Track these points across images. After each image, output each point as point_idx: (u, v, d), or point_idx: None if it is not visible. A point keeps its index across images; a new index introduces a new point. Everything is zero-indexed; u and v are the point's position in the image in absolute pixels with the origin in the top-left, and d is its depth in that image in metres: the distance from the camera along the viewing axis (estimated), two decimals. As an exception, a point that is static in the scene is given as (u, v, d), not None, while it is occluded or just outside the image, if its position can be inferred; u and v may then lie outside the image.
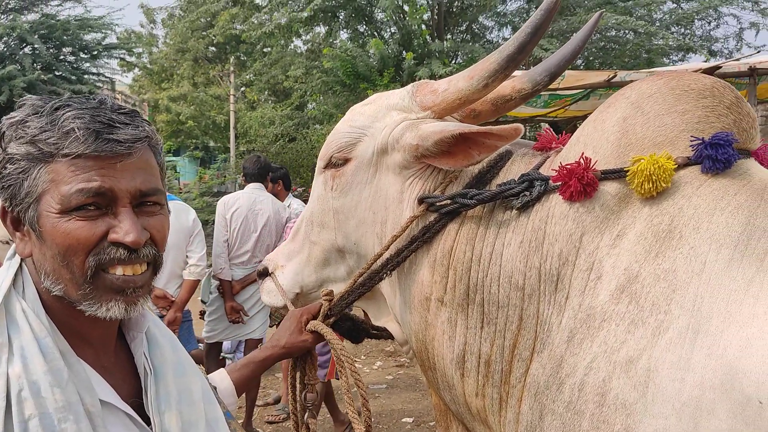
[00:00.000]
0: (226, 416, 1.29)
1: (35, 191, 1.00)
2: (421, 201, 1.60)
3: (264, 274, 1.95)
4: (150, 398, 1.11)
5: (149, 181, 1.06)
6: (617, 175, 1.37)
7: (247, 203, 5.34)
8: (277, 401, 5.99)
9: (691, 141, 1.33)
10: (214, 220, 5.57)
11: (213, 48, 23.96)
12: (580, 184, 1.38)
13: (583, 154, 1.41)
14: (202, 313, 6.45)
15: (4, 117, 1.05)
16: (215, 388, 1.46)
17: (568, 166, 1.40)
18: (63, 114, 1.00)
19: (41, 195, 1.00)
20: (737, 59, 9.35)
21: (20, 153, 1.00)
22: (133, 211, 1.04)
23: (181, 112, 22.35)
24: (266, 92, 21.85)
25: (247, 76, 21.72)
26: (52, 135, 0.99)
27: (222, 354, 6.06)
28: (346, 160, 1.73)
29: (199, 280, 5.39)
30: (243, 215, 5.29)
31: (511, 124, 1.50)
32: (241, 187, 5.83)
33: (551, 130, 1.68)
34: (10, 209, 1.04)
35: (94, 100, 1.05)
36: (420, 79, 11.79)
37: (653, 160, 1.32)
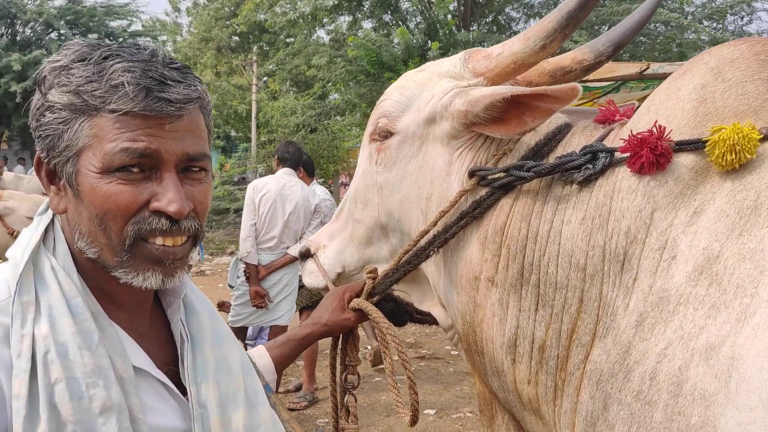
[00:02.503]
0: (266, 389, 1.21)
1: (75, 145, 0.93)
2: (472, 174, 1.49)
3: (306, 255, 1.86)
4: (186, 367, 1.05)
5: (198, 145, 0.99)
6: (694, 146, 1.25)
7: (276, 188, 5.30)
8: (298, 389, 5.93)
9: (778, 110, 1.21)
10: (235, 209, 5.65)
11: (236, 37, 23.99)
12: (653, 154, 1.26)
13: (656, 122, 1.29)
14: (220, 305, 6.43)
15: (46, 59, 0.97)
16: (255, 364, 1.39)
17: (640, 135, 1.28)
18: (112, 65, 0.92)
19: (82, 150, 0.93)
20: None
21: (62, 102, 0.93)
22: (178, 177, 0.96)
23: (203, 101, 22.39)
24: (288, 82, 21.82)
25: (270, 66, 21.71)
26: (99, 87, 0.92)
27: (244, 341, 6.02)
28: (390, 133, 1.63)
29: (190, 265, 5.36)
30: (272, 200, 5.25)
31: (567, 84, 1.39)
32: (272, 171, 5.79)
33: (614, 102, 1.56)
34: (46, 160, 0.97)
35: (146, 50, 0.97)
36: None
37: (736, 129, 1.19)
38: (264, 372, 1.48)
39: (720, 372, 1.07)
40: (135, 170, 0.94)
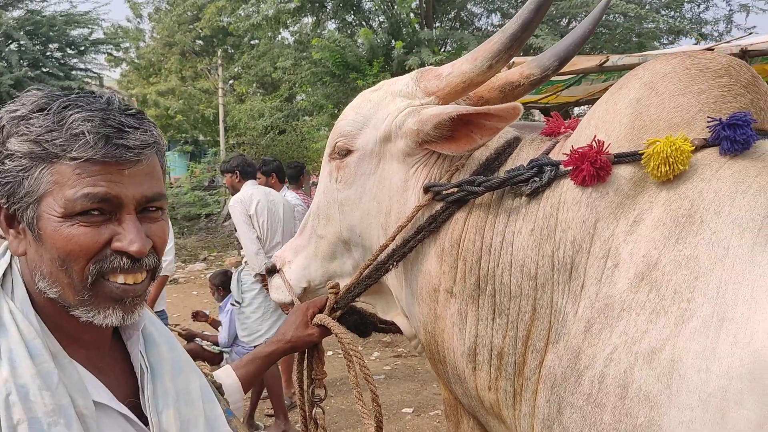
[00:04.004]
0: (227, 414, 1.25)
1: (36, 191, 0.97)
2: (426, 189, 1.55)
3: (272, 271, 1.91)
4: (147, 397, 1.09)
5: (155, 186, 1.04)
6: (632, 158, 1.32)
7: (263, 196, 5.35)
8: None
9: (708, 122, 1.29)
10: (206, 214, 5.60)
11: (200, 41, 23.73)
12: (593, 168, 1.33)
13: (595, 137, 1.36)
14: (195, 315, 6.40)
15: (3, 109, 1.01)
16: (221, 385, 1.42)
17: (580, 150, 1.35)
18: (72, 114, 0.96)
19: (43, 196, 0.97)
20: (728, 41, 9.32)
21: (22, 150, 0.96)
22: (137, 217, 1.01)
23: (169, 107, 22.16)
24: (255, 85, 21.69)
25: (235, 69, 21.54)
26: (59, 136, 0.95)
27: (219, 348, 6.01)
28: (349, 151, 1.68)
29: (167, 276, 5.32)
30: (266, 208, 5.29)
31: (508, 104, 1.45)
32: (233, 187, 5.74)
33: (559, 115, 1.63)
34: (6, 206, 1.00)
35: (102, 98, 1.01)
36: (410, 68, 11.74)
37: (669, 142, 1.27)
38: (231, 391, 1.52)
39: (662, 374, 1.14)
40: (96, 213, 0.97)
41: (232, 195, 6.03)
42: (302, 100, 16.89)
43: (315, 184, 20.67)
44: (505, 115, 1.43)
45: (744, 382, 1.05)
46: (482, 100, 1.70)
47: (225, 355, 6.01)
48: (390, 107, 1.64)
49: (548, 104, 12.08)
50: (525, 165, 1.45)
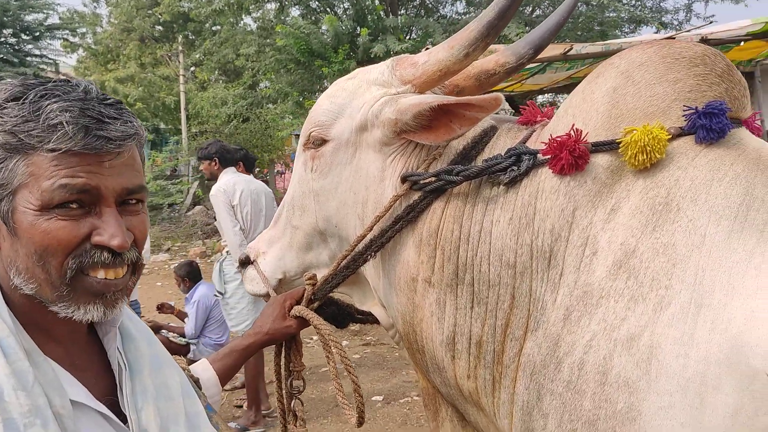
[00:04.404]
0: (207, 410, 1.23)
1: (11, 184, 0.93)
2: (404, 179, 1.54)
3: (246, 262, 1.87)
4: (126, 395, 1.06)
5: (135, 178, 1.01)
6: (609, 147, 1.33)
7: (246, 186, 5.27)
8: (244, 385, 5.91)
9: (684, 111, 1.30)
10: (169, 204, 5.51)
11: (160, 27, 23.24)
12: (572, 156, 1.33)
13: (573, 125, 1.36)
14: (159, 308, 6.31)
15: None
16: (198, 379, 1.40)
17: (559, 139, 1.35)
18: (48, 104, 0.93)
19: (18, 188, 0.93)
20: (689, 30, 9.50)
21: None
22: (117, 210, 0.98)
23: (129, 94, 21.66)
24: (217, 72, 21.36)
25: (197, 56, 21.17)
26: (36, 126, 0.92)
27: (185, 339, 5.94)
28: (324, 141, 1.66)
29: (143, 265, 5.21)
30: (249, 198, 5.21)
31: (491, 94, 1.45)
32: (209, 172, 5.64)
33: (535, 104, 1.64)
34: None
35: (79, 87, 0.97)
36: (375, 55, 11.69)
37: (646, 131, 1.28)
38: (208, 385, 1.49)
39: (641, 360, 1.15)
40: (74, 206, 0.94)
41: (207, 182, 5.94)
42: (266, 87, 16.72)
43: (279, 173, 20.54)
44: (486, 106, 1.42)
45: (722, 367, 1.07)
46: (458, 88, 1.70)
47: (192, 347, 5.95)
48: (366, 96, 1.62)
49: (513, 92, 12.17)
50: (503, 154, 1.45)
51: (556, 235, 1.34)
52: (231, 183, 5.26)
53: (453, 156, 1.55)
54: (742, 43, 9.95)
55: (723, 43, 9.72)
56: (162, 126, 25.93)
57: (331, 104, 1.67)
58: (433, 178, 1.50)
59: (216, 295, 5.46)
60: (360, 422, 1.62)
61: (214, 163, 5.43)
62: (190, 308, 6.04)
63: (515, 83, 11.23)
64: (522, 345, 1.38)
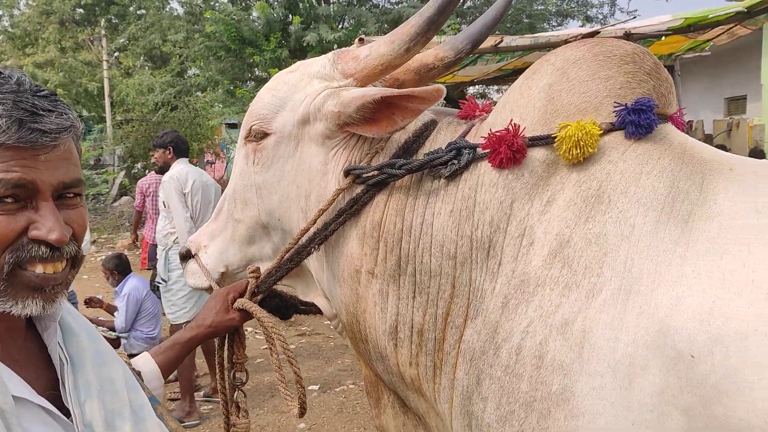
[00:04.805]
0: (152, 401, 1.22)
1: None
2: (347, 173, 1.56)
3: (187, 256, 1.85)
4: (68, 389, 1.04)
5: (72, 172, 0.99)
6: (545, 141, 1.39)
7: (197, 177, 5.27)
8: (177, 378, 5.81)
9: (614, 107, 1.37)
10: (93, 194, 5.40)
11: (81, 10, 22.24)
12: (510, 150, 1.38)
13: (511, 120, 1.41)
14: (87, 302, 6.11)
15: None
16: (139, 373, 1.38)
17: (497, 133, 1.40)
18: None
19: None
20: (613, 25, 9.84)
21: None
22: (54, 204, 0.96)
23: (48, 80, 20.68)
24: (142, 58, 20.68)
25: (121, 41, 20.42)
26: None
27: (116, 333, 5.78)
28: (266, 134, 1.66)
29: (84, 256, 5.09)
30: (200, 188, 5.21)
31: (433, 86, 1.48)
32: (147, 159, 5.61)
33: (473, 98, 1.68)
34: None
35: (12, 79, 0.95)
36: (308, 44, 11.60)
37: (580, 126, 1.34)
38: (150, 378, 1.48)
39: (574, 344, 1.22)
40: (9, 201, 0.92)
41: (157, 172, 5.86)
42: (195, 75, 16.30)
43: (209, 163, 20.09)
44: (428, 97, 1.45)
45: (649, 349, 1.14)
46: (398, 82, 1.72)
47: (123, 341, 5.78)
48: (307, 89, 1.63)
49: (445, 83, 12.32)
50: (443, 148, 1.49)
51: (495, 227, 1.39)
52: (183, 172, 5.26)
53: (395, 149, 1.57)
54: (663, 37, 10.41)
55: (645, 38, 10.13)
56: (85, 113, 24.88)
57: (273, 97, 1.67)
58: (376, 172, 1.52)
59: (159, 283, 5.37)
60: (302, 412, 1.63)
61: (168, 152, 5.41)
62: (120, 302, 5.87)
63: (447, 74, 11.40)
64: (462, 332, 1.42)
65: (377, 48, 1.56)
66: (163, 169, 5.79)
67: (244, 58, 12.49)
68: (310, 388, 5.52)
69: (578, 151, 1.33)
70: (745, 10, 9.23)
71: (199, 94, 17.38)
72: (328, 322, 1.80)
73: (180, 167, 5.32)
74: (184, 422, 5.02)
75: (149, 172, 7.07)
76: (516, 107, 1.47)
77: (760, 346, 1.03)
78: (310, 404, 5.26)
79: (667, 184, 1.26)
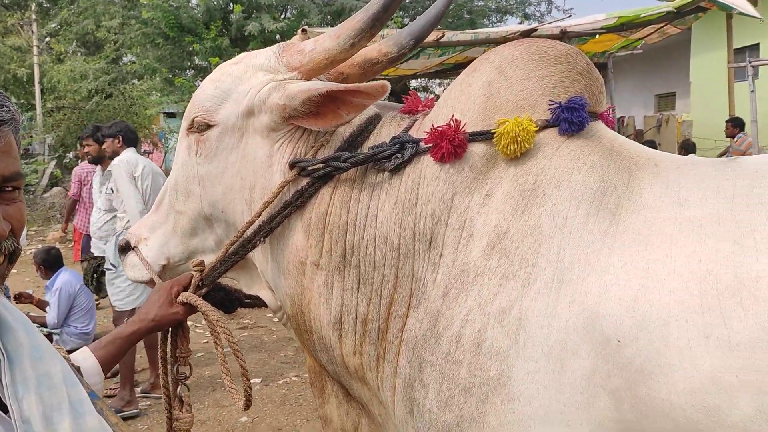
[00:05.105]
0: (91, 396, 1.22)
1: None
2: (292, 165, 1.57)
3: (127, 248, 1.82)
4: (5, 385, 1.03)
5: (12, 165, 0.98)
6: (484, 137, 1.44)
7: (147, 164, 5.24)
8: (114, 374, 5.68)
9: (549, 105, 1.43)
10: (24, 185, 5.26)
11: (10, -7, 21.26)
12: (451, 145, 1.43)
13: (452, 116, 1.46)
14: (17, 297, 5.90)
15: None
16: (79, 368, 1.37)
17: (439, 128, 1.44)
18: None
19: None
20: (550, 23, 10.08)
21: None
22: None
23: (-27, 65, 19.72)
24: (75, 43, 19.94)
25: (53, 26, 19.63)
26: None
27: (47, 329, 5.60)
28: (209, 125, 1.65)
29: None
30: (149, 173, 5.15)
31: (377, 81, 1.51)
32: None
33: (416, 93, 1.72)
34: None
35: None
36: (250, 33, 11.43)
37: (517, 123, 1.40)
38: (90, 374, 1.46)
39: (511, 331, 1.28)
40: None
41: (90, 162, 5.75)
42: (131, 62, 15.84)
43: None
44: (373, 93, 1.48)
45: (580, 335, 1.21)
46: (342, 75, 1.74)
47: (55, 337, 5.61)
48: (252, 81, 1.63)
49: (388, 76, 12.37)
50: (387, 142, 1.52)
51: (437, 219, 1.44)
52: (133, 158, 5.22)
53: (340, 143, 1.60)
54: (597, 36, 10.75)
55: (580, 36, 10.44)
56: (13, 101, 23.79)
57: (216, 89, 1.66)
58: (322, 165, 1.54)
59: (108, 269, 5.24)
60: (247, 405, 1.64)
61: (117, 141, 5.35)
62: (52, 296, 5.70)
63: (390, 68, 11.45)
64: (405, 322, 1.47)
65: (323, 42, 1.58)
66: (97, 160, 5.67)
67: (183, 46, 12.21)
68: (252, 381, 5.46)
69: (516, 146, 1.39)
70: (675, 11, 9.63)
71: (135, 81, 16.91)
72: (272, 314, 1.81)
73: (129, 155, 5.28)
74: (124, 411, 4.95)
75: (81, 162, 6.88)
76: (457, 103, 1.52)
77: (680, 331, 1.11)
78: (252, 397, 5.25)
79: (597, 178, 1.33)
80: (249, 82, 1.63)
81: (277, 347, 6.42)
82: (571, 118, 1.40)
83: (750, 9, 9.38)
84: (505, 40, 9.72)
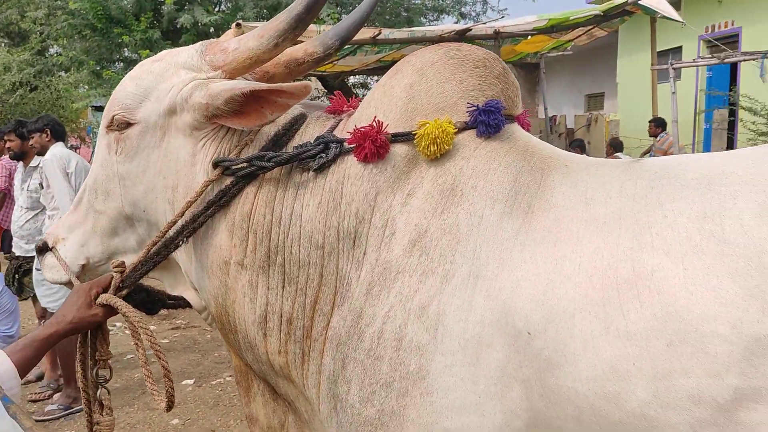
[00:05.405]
0: (4, 401, 1.20)
1: None
2: (216, 164, 1.57)
3: (44, 249, 1.77)
4: None
5: None
6: (406, 138, 1.48)
7: (78, 159, 5.13)
8: (39, 378, 5.49)
9: (467, 107, 1.48)
10: None
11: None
12: (374, 146, 1.46)
13: (375, 117, 1.49)
14: None
15: None
16: None
17: (362, 129, 1.47)
18: None
19: None
20: (485, 23, 10.27)
21: None
22: None
23: None
24: (-3, 33, 18.99)
25: (-29, 14, 18.64)
26: None
27: None
28: (129, 124, 1.63)
29: None
30: (82, 170, 5.02)
31: (300, 82, 1.52)
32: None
33: (341, 93, 1.74)
34: None
35: None
36: (182, 26, 11.18)
37: (437, 125, 1.44)
38: (6, 378, 1.43)
39: (429, 326, 1.32)
40: None
41: (12, 158, 5.57)
42: (58, 54, 15.23)
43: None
44: (296, 93, 1.49)
45: (494, 328, 1.26)
46: (267, 74, 1.75)
47: (-25, 341, 5.37)
48: (174, 79, 1.62)
49: (325, 72, 12.35)
50: (312, 141, 1.54)
51: (360, 218, 1.47)
52: (65, 153, 5.10)
53: (264, 142, 1.60)
54: (529, 36, 11.02)
55: (513, 36, 10.68)
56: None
57: (137, 87, 1.64)
58: (246, 164, 1.55)
59: (38, 269, 5.05)
60: (169, 407, 1.63)
61: (45, 135, 5.20)
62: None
63: (327, 64, 11.42)
64: (329, 319, 1.49)
65: (246, 42, 1.58)
66: (18, 156, 5.45)
67: (111, 38, 11.81)
68: (184, 382, 5.40)
69: (435, 147, 1.43)
70: (602, 14, 9.97)
71: (62, 74, 16.26)
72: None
73: (58, 150, 5.13)
74: (72, 407, 4.89)
75: (3, 156, 6.59)
76: (380, 105, 1.55)
77: (583, 322, 1.17)
78: (184, 399, 5.16)
79: (511, 179, 1.39)
80: (171, 80, 1.62)
81: (211, 347, 6.33)
82: (487, 121, 1.46)
83: (673, 13, 9.83)
84: (440, 38, 9.86)
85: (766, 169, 1.19)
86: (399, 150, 1.49)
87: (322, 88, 14.10)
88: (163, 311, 5.67)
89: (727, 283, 1.08)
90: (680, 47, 14.77)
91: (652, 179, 1.30)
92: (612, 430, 1.16)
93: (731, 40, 13.40)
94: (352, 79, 15.61)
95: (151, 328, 6.90)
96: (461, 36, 9.78)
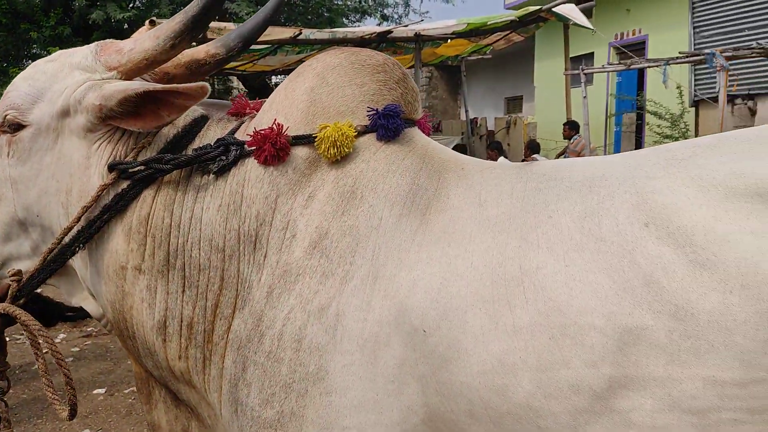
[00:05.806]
0: None
1: None
2: (111, 168, 1.53)
3: None
4: None
5: None
6: (307, 140, 1.49)
7: None
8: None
9: (367, 111, 1.51)
10: None
11: None
12: (274, 148, 1.46)
13: (275, 120, 1.49)
14: None
15: None
16: None
17: (262, 132, 1.47)
18: None
19: None
20: (406, 25, 10.40)
21: None
22: None
23: None
24: None
25: None
26: None
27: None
28: (22, 125, 1.57)
29: None
30: None
31: (197, 83, 1.51)
32: None
33: (245, 95, 1.73)
34: None
35: None
36: (94, 22, 10.78)
37: (337, 128, 1.46)
38: None
39: (329, 327, 1.33)
40: None
41: None
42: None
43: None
44: (193, 94, 1.47)
45: (391, 327, 1.29)
46: (168, 76, 1.72)
47: None
48: (68, 80, 1.57)
49: (245, 71, 12.19)
50: (212, 144, 1.53)
51: (261, 220, 1.47)
52: None
53: (163, 144, 1.58)
54: (449, 40, 11.24)
55: (433, 39, 10.87)
56: None
57: (30, 87, 1.58)
58: (143, 167, 1.51)
59: None
60: (72, 416, 1.58)
61: None
62: None
63: (247, 63, 11.27)
64: (230, 323, 1.48)
65: (142, 42, 1.55)
66: None
67: (19, 33, 11.26)
68: (96, 391, 5.20)
69: (335, 150, 1.45)
70: (518, 20, 10.29)
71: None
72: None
73: None
74: None
75: None
76: (281, 107, 1.55)
77: (475, 319, 1.22)
78: (95, 408, 4.98)
79: (409, 181, 1.43)
80: (64, 81, 1.57)
81: (123, 355, 6.12)
82: (387, 125, 1.48)
83: (584, 21, 10.26)
84: (362, 40, 9.92)
85: (641, 172, 1.26)
86: (300, 153, 1.49)
87: (244, 87, 13.91)
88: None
89: (602, 278, 1.15)
90: (592, 53, 15.42)
91: (540, 181, 1.36)
92: (501, 421, 1.21)
93: (639, 47, 14.11)
94: (275, 79, 15.46)
95: (61, 336, 6.62)
96: (382, 38, 9.86)
